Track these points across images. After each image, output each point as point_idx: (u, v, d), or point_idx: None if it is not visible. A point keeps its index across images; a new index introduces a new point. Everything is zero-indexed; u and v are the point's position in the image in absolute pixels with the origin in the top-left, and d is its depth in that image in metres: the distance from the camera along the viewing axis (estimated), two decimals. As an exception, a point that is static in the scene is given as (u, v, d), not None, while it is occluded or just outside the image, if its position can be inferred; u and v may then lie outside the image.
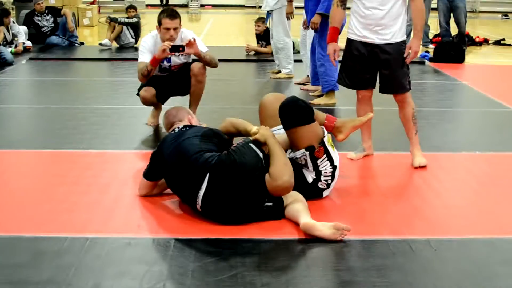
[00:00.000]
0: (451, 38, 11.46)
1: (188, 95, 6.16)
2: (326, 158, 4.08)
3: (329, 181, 4.16)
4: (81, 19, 17.80)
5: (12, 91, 8.15)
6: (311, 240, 3.55)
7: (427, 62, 10.84)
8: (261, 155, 3.86)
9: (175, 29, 5.69)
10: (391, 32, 4.75)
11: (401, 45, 4.81)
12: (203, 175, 3.76)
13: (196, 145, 3.92)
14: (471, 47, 13.31)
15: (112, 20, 12.27)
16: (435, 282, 3.13)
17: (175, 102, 6.39)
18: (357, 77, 4.98)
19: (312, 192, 4.13)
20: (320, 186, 4.15)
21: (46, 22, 12.62)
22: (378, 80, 5.01)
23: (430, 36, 13.11)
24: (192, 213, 3.93)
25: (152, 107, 6.23)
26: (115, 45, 12.30)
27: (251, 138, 3.99)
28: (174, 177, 3.96)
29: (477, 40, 13.85)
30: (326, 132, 4.14)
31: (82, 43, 12.99)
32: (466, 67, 10.72)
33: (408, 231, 3.76)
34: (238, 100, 7.58)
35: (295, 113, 4.00)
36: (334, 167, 4.13)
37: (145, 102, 6.06)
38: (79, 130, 6.01)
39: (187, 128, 4.20)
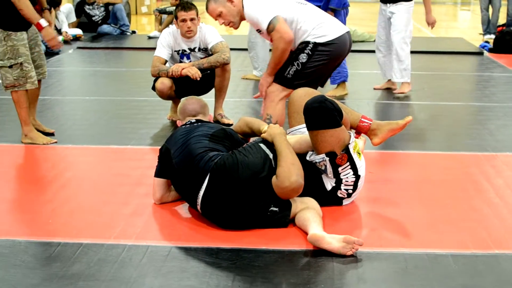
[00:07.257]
0: (512, 28, 10.83)
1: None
2: (349, 166, 3.72)
3: (350, 191, 3.81)
4: (139, 7, 17.80)
5: (51, 82, 8.02)
6: (320, 252, 3.23)
7: (486, 52, 10.32)
8: (271, 155, 3.57)
9: (191, 19, 5.58)
10: None
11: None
12: (204, 175, 3.50)
13: (204, 143, 3.67)
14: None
15: (160, 12, 12.18)
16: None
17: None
18: None
19: (330, 200, 3.81)
20: (340, 195, 3.82)
21: (97, 11, 12.59)
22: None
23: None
24: (195, 218, 3.68)
25: (171, 102, 5.98)
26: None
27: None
28: (178, 176, 3.70)
29: (544, 29, 13.11)
30: (353, 138, 3.75)
31: (133, 32, 12.92)
32: (528, 59, 10.13)
33: (429, 243, 3.40)
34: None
35: (319, 115, 3.60)
36: (358, 177, 3.77)
37: (162, 95, 5.74)
38: (104, 124, 5.84)
39: (199, 124, 3.95)
